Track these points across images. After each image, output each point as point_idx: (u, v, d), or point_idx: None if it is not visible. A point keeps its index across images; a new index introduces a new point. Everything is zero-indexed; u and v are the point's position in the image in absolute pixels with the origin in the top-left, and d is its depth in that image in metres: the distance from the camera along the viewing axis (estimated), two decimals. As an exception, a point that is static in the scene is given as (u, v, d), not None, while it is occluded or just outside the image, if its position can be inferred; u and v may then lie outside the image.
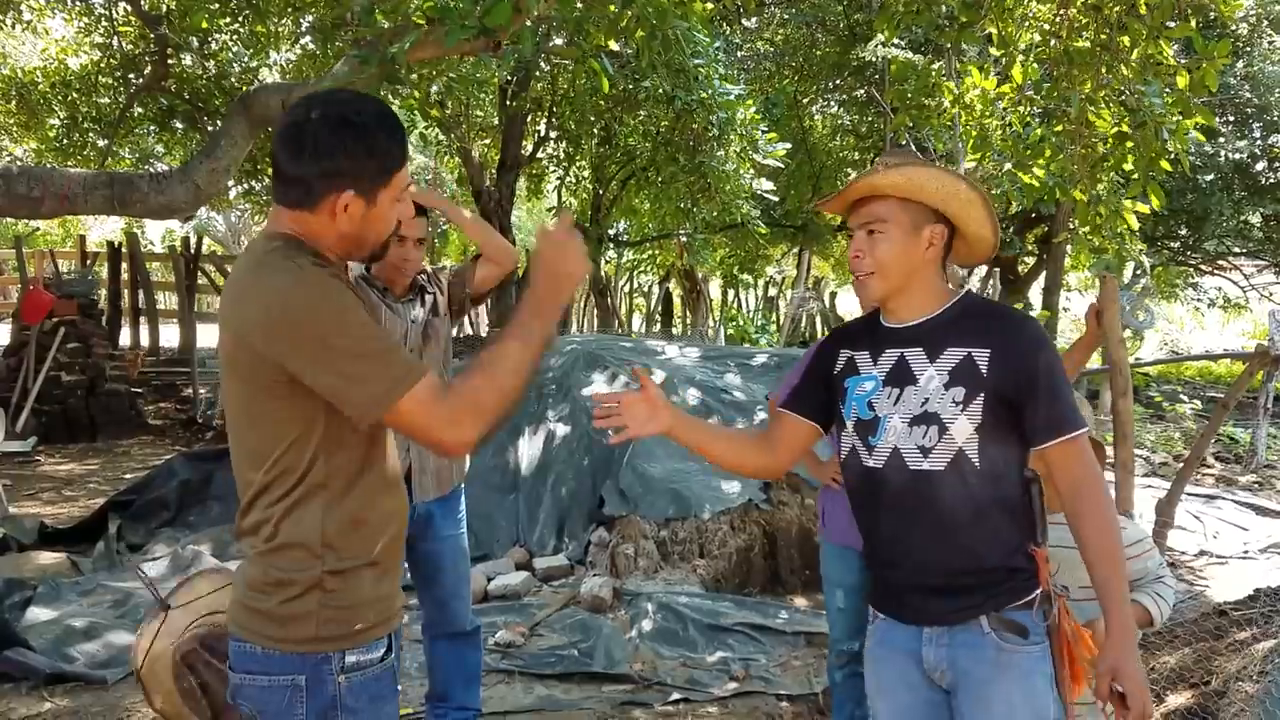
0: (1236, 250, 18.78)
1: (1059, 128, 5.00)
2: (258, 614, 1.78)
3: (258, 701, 1.79)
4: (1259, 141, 16.21)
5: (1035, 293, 20.85)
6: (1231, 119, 15.15)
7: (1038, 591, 2.10)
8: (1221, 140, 14.56)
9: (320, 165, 1.76)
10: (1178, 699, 3.68)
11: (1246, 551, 7.08)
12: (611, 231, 18.60)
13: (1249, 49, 14.48)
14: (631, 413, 2.22)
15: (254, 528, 1.80)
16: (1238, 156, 15.04)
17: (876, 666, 2.30)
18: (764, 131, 8.67)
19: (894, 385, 2.15)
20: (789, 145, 9.74)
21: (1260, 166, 16.56)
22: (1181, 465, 4.95)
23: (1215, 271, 20.52)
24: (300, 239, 1.80)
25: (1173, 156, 4.54)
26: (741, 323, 21.11)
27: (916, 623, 2.17)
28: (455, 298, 3.53)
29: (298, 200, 1.79)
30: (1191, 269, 19.68)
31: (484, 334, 15.23)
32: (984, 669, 2.08)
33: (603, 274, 20.85)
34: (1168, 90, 4.43)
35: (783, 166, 10.37)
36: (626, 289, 25.56)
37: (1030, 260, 19.63)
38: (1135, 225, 4.82)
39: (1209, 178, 14.96)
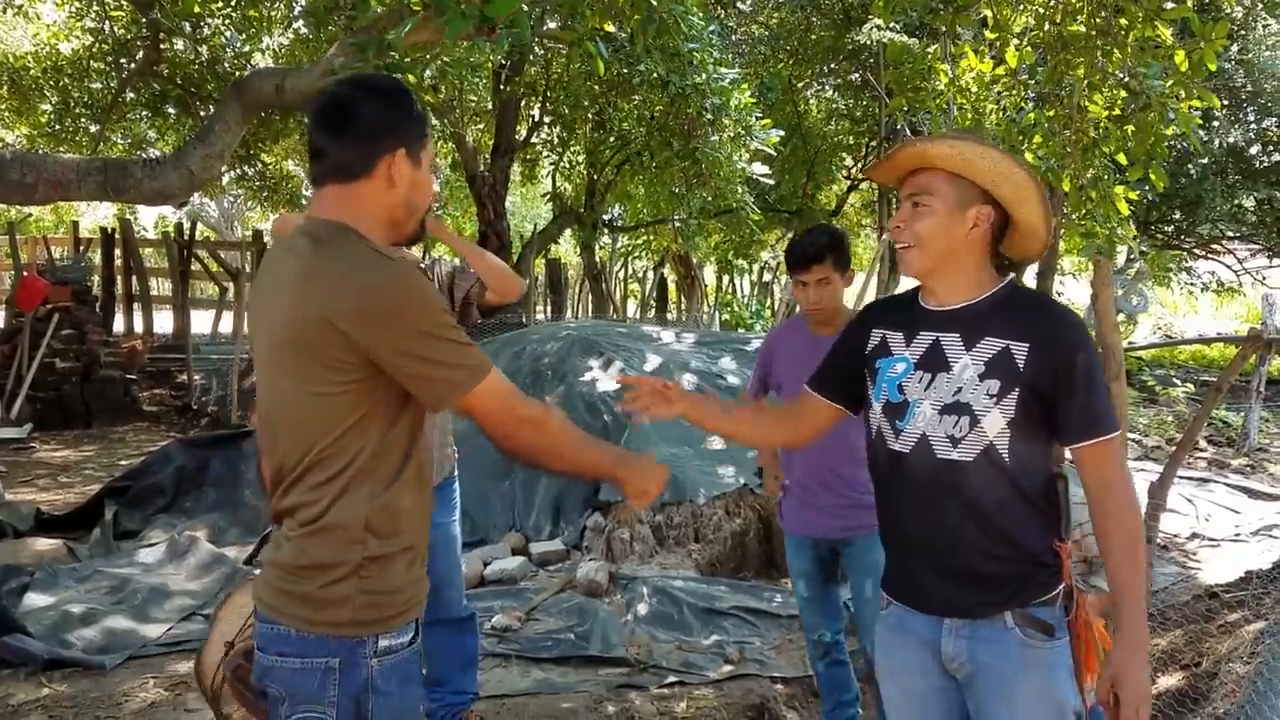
0: (1230, 234, 18.78)
1: (1051, 112, 5.01)
2: (294, 597, 1.79)
3: (289, 684, 1.79)
4: (1253, 126, 16.21)
5: (1029, 277, 20.86)
6: (1226, 103, 15.15)
7: (1061, 587, 2.07)
8: (1216, 125, 14.57)
9: (370, 129, 1.84)
10: (1169, 680, 3.71)
11: (1238, 534, 7.12)
12: (606, 217, 18.56)
13: (1243, 33, 14.47)
14: (652, 396, 2.34)
15: (293, 510, 1.82)
16: (1232, 141, 15.05)
17: (888, 651, 2.26)
18: (758, 118, 8.65)
19: (926, 370, 2.10)
20: (782, 133, 9.71)
21: (1254, 150, 16.57)
22: (1174, 449, 4.98)
23: (1209, 255, 20.54)
24: (353, 226, 1.83)
25: (1175, 138, 4.55)
26: (736, 308, 21.10)
27: (938, 613, 2.13)
28: (457, 300, 3.53)
29: (348, 169, 1.85)
30: (1185, 253, 19.70)
31: (478, 321, 15.20)
32: (1007, 664, 2.04)
33: (597, 260, 20.81)
34: (1166, 71, 4.43)
35: (775, 154, 10.35)
36: (621, 275, 25.51)
37: (1024, 245, 19.55)
38: (1127, 211, 4.83)
39: (1203, 162, 14.98)
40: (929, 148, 2.06)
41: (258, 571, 1.96)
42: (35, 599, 5.02)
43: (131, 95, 12.11)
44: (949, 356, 2.08)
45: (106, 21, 11.74)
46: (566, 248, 27.52)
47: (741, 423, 2.53)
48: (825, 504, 3.41)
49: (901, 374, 2.14)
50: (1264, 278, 20.37)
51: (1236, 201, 16.14)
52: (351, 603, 1.77)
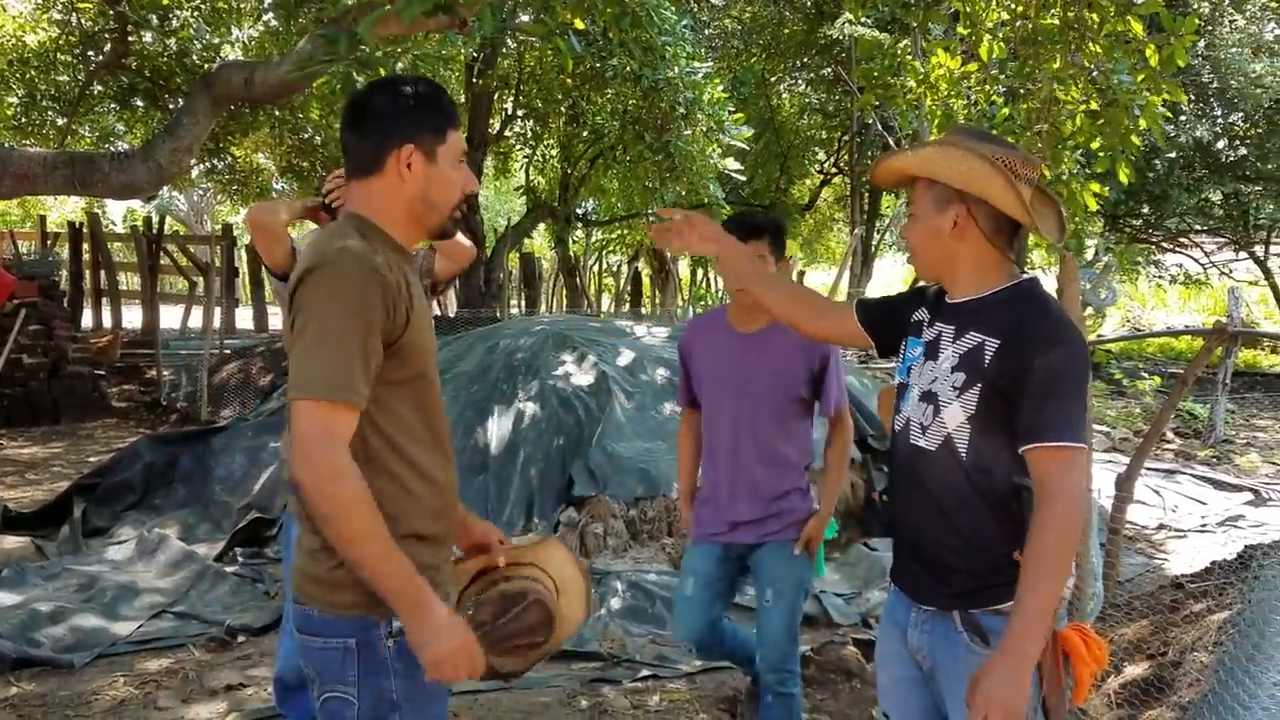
0: (1197, 228, 19.02)
1: (1025, 106, 5.04)
2: (312, 579, 1.84)
3: (316, 664, 1.85)
4: (1220, 121, 16.39)
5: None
6: (1193, 99, 15.31)
7: None
8: (1183, 119, 14.72)
9: (380, 125, 1.91)
10: (1135, 670, 3.76)
11: (1204, 525, 7.21)
12: (580, 210, 18.55)
13: (1210, 29, 14.63)
14: (692, 226, 2.41)
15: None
16: (1199, 135, 15.21)
17: (881, 637, 2.33)
18: (730, 112, 8.67)
19: (927, 358, 2.14)
20: (753, 131, 9.73)
21: (1221, 145, 16.76)
22: (1141, 440, 5.03)
23: (1176, 249, 20.78)
24: (370, 219, 1.92)
25: (1145, 134, 4.58)
26: (710, 302, 21.15)
27: (909, 596, 2.17)
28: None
29: (365, 165, 1.93)
30: (1153, 247, 19.91)
31: (452, 314, 15.15)
32: (956, 665, 2.06)
33: (571, 254, 20.79)
34: (1137, 66, 4.46)
35: (747, 149, 10.38)
36: (595, 269, 25.50)
37: (995, 238, 19.68)
38: (1094, 205, 4.87)
39: (1170, 156, 15.15)
40: (895, 160, 2.12)
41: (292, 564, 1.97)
42: (3, 597, 4.96)
43: (99, 88, 12.00)
44: (941, 347, 2.11)
45: (74, 13, 11.61)
46: (541, 242, 27.49)
47: (766, 284, 2.48)
48: (744, 513, 3.31)
49: (914, 358, 2.19)
50: (1230, 271, 20.65)
51: (1203, 196, 16.35)
52: (355, 585, 1.79)
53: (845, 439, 3.43)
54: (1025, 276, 2.10)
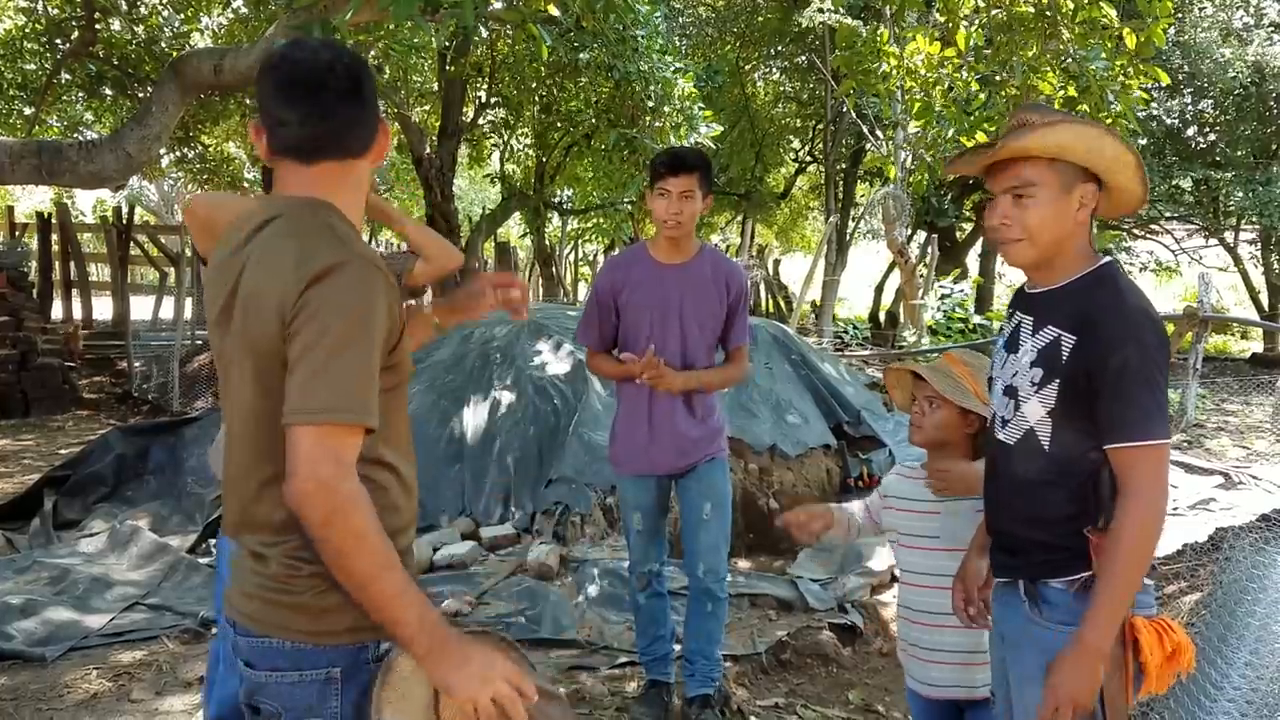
0: (1168, 214, 19.18)
1: (1002, 94, 5.06)
2: (288, 608, 1.66)
3: (285, 699, 1.68)
4: (1190, 107, 16.52)
5: (972, 258, 21.13)
6: (1162, 85, 15.42)
7: (1084, 574, 2.02)
8: (1153, 105, 14.83)
9: (373, 103, 1.74)
10: (1108, 651, 3.79)
11: (1175, 508, 7.28)
12: (555, 199, 18.49)
13: (1180, 15, 14.73)
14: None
15: (268, 519, 1.68)
16: (1170, 121, 15.32)
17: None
18: (701, 108, 8.67)
19: (1007, 351, 2.16)
20: (723, 129, 9.73)
21: (1191, 132, 16.90)
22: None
23: (1147, 236, 20.96)
24: (339, 208, 1.72)
25: (1119, 116, 4.61)
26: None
27: (995, 574, 2.25)
28: None
29: (350, 148, 1.73)
30: (1124, 233, 20.08)
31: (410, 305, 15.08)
32: (1015, 632, 2.13)
33: (547, 243, 20.74)
34: (1115, 51, 4.48)
35: (717, 149, 10.38)
36: (571, 258, 25.46)
37: (967, 226, 19.87)
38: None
39: (1142, 142, 15.25)
40: (1031, 142, 1.99)
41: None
42: (-28, 592, 4.92)
43: (67, 76, 11.83)
44: (1020, 340, 2.12)
45: (40, 0, 11.44)
46: (516, 231, 27.41)
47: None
48: (672, 444, 3.52)
49: (998, 350, 2.22)
50: (1200, 257, 20.85)
51: (1174, 182, 16.47)
52: (351, 608, 1.63)
53: (740, 367, 3.66)
54: (1103, 261, 2.07)
